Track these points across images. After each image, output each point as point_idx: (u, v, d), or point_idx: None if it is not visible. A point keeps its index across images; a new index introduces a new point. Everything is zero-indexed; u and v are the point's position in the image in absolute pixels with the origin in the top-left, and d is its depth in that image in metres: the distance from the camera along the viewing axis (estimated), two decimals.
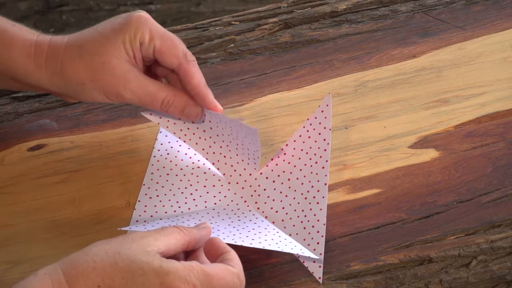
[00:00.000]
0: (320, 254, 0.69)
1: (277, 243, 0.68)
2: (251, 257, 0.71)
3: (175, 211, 0.72)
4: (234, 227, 0.70)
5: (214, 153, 0.77)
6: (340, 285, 0.69)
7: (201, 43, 0.91)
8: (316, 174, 0.73)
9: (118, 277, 0.56)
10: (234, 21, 0.93)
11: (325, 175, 0.73)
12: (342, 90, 0.85)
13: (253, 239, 0.68)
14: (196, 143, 0.77)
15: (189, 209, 0.73)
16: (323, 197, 0.72)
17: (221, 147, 0.77)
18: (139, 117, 0.81)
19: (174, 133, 0.77)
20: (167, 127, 0.77)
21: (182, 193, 0.74)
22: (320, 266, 0.69)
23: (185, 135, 0.77)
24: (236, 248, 0.67)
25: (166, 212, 0.72)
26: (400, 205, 0.75)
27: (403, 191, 0.76)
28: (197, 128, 0.77)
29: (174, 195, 0.74)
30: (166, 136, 0.79)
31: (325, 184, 0.72)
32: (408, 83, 0.85)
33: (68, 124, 0.82)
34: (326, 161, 0.74)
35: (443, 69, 0.86)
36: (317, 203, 0.72)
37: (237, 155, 0.76)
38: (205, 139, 0.77)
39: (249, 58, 0.88)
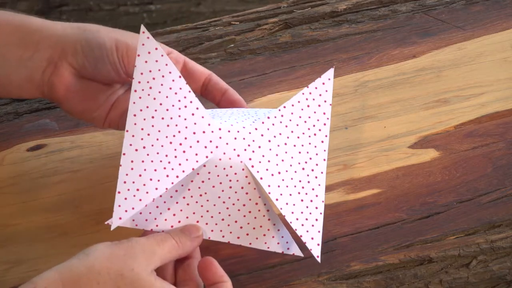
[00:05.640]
0: (319, 231, 0.67)
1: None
2: (251, 257, 0.71)
3: (156, 188, 0.66)
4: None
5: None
6: (340, 285, 0.69)
7: (201, 43, 0.91)
8: (315, 147, 0.70)
9: None
10: (234, 21, 0.93)
11: (324, 150, 0.70)
12: (342, 90, 0.85)
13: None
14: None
15: (177, 176, 0.66)
16: (321, 172, 0.69)
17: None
18: None
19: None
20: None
21: (169, 162, 0.66)
22: (318, 244, 0.67)
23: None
24: (235, 246, 0.67)
25: (150, 196, 0.66)
26: (400, 205, 0.75)
27: (403, 191, 0.76)
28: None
29: (155, 170, 0.66)
30: (146, 61, 0.67)
31: (324, 160, 0.70)
32: (408, 83, 0.85)
33: (68, 124, 0.82)
34: (326, 136, 0.71)
35: (443, 69, 0.86)
36: (315, 177, 0.69)
37: (234, 119, 0.72)
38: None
39: (249, 58, 0.88)
